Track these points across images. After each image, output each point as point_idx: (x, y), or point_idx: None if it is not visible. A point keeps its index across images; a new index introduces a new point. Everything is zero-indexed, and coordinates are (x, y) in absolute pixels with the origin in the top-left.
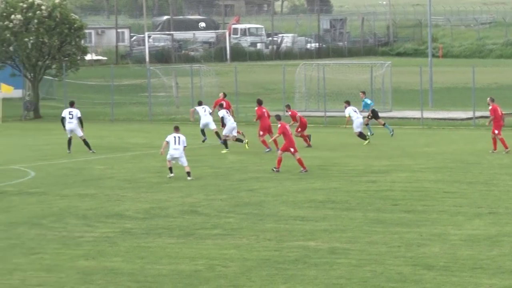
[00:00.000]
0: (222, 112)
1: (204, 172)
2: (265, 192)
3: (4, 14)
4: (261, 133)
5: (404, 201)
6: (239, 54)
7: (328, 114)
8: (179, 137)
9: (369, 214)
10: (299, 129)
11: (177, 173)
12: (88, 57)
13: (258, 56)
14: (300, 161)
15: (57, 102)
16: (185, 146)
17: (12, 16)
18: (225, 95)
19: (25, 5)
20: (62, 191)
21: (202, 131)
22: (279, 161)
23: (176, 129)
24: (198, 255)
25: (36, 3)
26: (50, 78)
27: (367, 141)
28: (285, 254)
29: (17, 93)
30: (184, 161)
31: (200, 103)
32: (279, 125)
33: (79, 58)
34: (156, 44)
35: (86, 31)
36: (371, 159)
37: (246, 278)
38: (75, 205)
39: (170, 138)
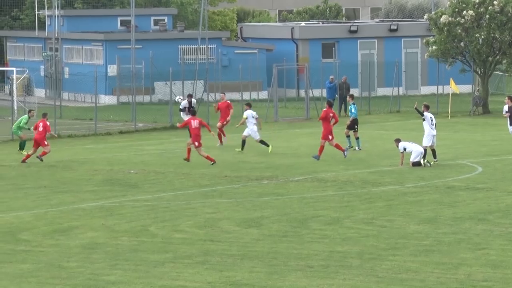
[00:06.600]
0: None
1: None
2: None
3: (456, 10)
4: None
5: None
6: None
7: None
8: None
9: None
10: None
11: None
12: None
13: None
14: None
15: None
16: None
17: (464, 12)
18: None
19: (477, 1)
20: (510, 187)
21: None
22: None
23: None
24: None
25: None
26: (500, 73)
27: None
28: None
29: (467, 88)
30: None
31: None
32: None
33: None
34: None
35: None
36: None
37: None
38: None
39: None
